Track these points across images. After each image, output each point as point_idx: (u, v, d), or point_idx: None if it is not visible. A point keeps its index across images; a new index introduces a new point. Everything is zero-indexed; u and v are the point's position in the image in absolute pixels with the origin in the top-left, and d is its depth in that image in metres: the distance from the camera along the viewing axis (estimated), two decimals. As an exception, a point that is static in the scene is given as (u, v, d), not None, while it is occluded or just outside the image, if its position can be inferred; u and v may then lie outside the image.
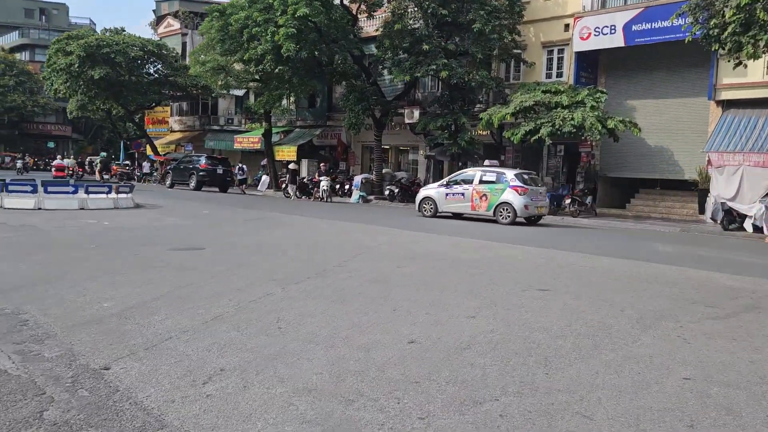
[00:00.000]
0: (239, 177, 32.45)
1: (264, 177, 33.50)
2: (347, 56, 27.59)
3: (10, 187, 15.13)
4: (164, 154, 42.87)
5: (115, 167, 43.11)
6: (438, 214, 19.15)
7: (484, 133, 26.88)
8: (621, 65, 24.23)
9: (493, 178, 18.39)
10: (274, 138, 35.79)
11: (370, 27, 29.76)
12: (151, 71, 40.43)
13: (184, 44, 45.24)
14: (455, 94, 25.47)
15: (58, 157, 47.11)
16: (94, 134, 72.03)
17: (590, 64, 24.56)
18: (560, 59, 25.27)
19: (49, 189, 15.27)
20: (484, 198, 18.21)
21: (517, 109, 21.71)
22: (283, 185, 30.39)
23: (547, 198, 19.30)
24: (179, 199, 23.31)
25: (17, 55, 68.85)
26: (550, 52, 25.56)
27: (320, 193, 26.99)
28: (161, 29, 47.68)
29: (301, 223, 15.18)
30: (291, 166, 29.82)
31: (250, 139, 35.90)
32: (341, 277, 7.56)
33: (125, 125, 50.57)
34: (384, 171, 29.84)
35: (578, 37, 23.51)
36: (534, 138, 21.31)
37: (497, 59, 26.03)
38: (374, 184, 28.93)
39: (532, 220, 18.45)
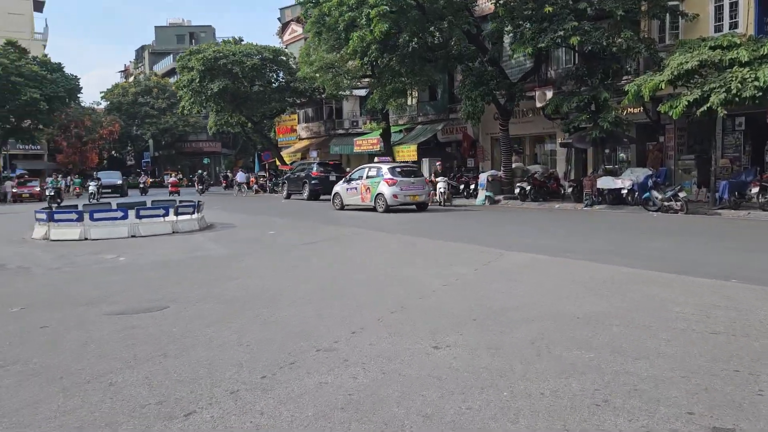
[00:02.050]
0: None
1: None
2: (460, 35, 23.75)
3: (56, 216, 13.42)
4: (291, 163, 41.76)
5: (253, 179, 43.15)
6: (345, 208, 21.87)
7: (636, 110, 21.67)
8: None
9: (375, 173, 20.74)
10: (395, 137, 32.82)
11: (486, 3, 25.60)
12: (273, 79, 39.33)
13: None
14: (593, 65, 20.59)
15: (172, 174, 53.71)
16: (242, 148, 74.42)
17: (778, 5, 18.51)
18: (733, 5, 19.37)
19: (96, 216, 13.36)
20: (368, 191, 20.69)
21: (676, 74, 16.49)
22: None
23: (423, 187, 20.89)
24: (270, 214, 20.96)
25: (170, 80, 73.02)
26: (719, -1, 19.76)
27: (437, 197, 23.39)
28: (286, 36, 46.88)
29: (373, 245, 11.77)
30: None
31: (369, 141, 33.22)
32: (308, 386, 4.06)
33: (264, 137, 50.67)
34: (514, 165, 25.52)
35: (759, -29, 17.67)
36: (701, 110, 16.03)
37: (646, 15, 20.66)
38: (503, 182, 24.76)
39: (421, 207, 20.60)
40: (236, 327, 5.55)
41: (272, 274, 8.42)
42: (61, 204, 26.65)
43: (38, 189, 38.89)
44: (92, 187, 35.27)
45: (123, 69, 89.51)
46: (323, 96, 38.45)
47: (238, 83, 37.05)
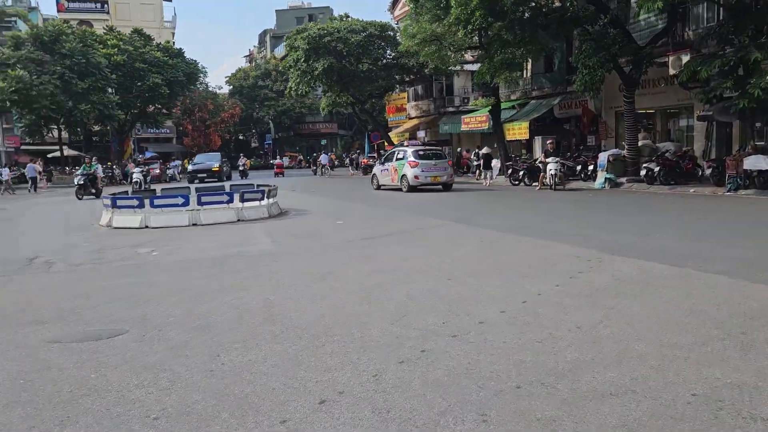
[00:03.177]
0: None
1: (494, 162, 28.13)
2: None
3: (118, 203, 12.65)
4: (398, 144, 40.23)
5: (364, 160, 42.24)
6: (381, 188, 23.15)
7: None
8: None
9: (402, 156, 21.95)
10: (506, 114, 30.10)
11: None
12: (380, 56, 37.73)
13: (419, 23, 41.94)
14: (742, 19, 16.93)
15: (278, 157, 52.25)
16: (358, 129, 74.10)
17: None
18: None
19: (156, 203, 12.43)
20: (396, 172, 21.95)
21: None
22: (509, 171, 24.85)
23: (445, 169, 21.76)
24: (355, 199, 19.46)
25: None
26: None
27: (548, 179, 20.72)
28: (397, 11, 45.07)
29: (448, 242, 9.74)
30: (484, 150, 25.63)
31: (477, 119, 30.74)
32: None
33: (371, 117, 49.57)
34: (641, 143, 22.15)
35: None
36: None
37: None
38: (627, 162, 21.54)
39: (446, 187, 21.66)
40: (167, 379, 3.89)
41: (290, 285, 6.74)
42: (99, 195, 21.51)
43: (158, 171, 40.38)
44: (137, 174, 29.49)
45: (248, 54, 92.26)
46: (431, 72, 36.33)
47: (343, 61, 35.91)
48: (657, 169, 19.66)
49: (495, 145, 29.43)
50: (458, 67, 34.95)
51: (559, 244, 8.70)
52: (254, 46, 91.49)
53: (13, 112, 40.34)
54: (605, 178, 20.91)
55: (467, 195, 20.41)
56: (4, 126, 47.07)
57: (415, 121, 41.83)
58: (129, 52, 43.77)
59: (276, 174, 42.79)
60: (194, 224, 12.54)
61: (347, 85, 37.70)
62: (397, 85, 41.83)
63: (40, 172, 37.42)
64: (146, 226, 12.39)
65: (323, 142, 75.75)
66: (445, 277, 6.73)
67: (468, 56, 30.81)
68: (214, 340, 4.70)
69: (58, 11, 58.25)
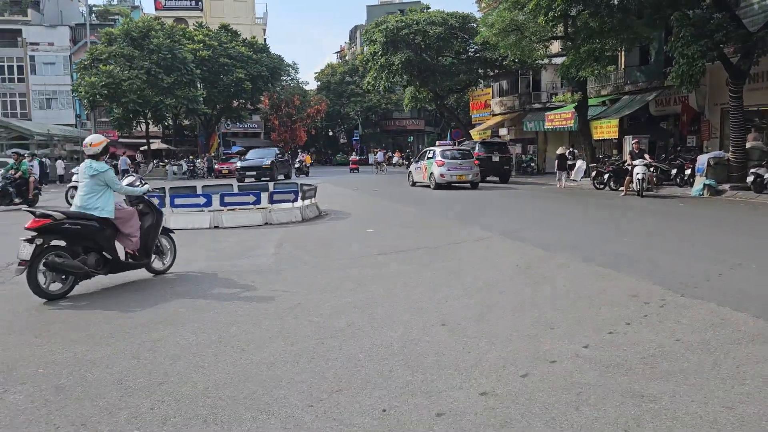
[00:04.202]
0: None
1: (579, 163, 25.69)
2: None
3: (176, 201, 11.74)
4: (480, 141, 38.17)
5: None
6: (415, 184, 24.34)
7: None
8: None
9: (431, 155, 23.07)
10: (594, 111, 27.46)
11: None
12: (461, 49, 35.81)
13: (506, 15, 39.61)
14: None
15: (354, 154, 52.48)
16: (445, 125, 72.26)
17: None
18: None
19: (176, 202, 11.46)
20: (425, 170, 23.15)
21: None
22: (593, 174, 22.42)
23: (470, 168, 22.65)
24: (406, 201, 17.93)
25: (377, 57, 73.11)
26: None
27: (634, 184, 18.25)
28: (484, 2, 42.91)
29: (467, 264, 8.05)
30: (559, 150, 23.79)
31: (562, 116, 28.24)
32: None
33: (455, 113, 47.69)
34: (749, 145, 19.17)
35: None
36: None
37: None
38: (732, 167, 18.66)
39: (473, 185, 22.78)
40: None
41: (232, 323, 5.35)
42: (33, 203, 16.77)
43: (238, 165, 40.51)
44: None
45: (339, 50, 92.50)
46: (515, 66, 34.03)
47: (423, 55, 34.33)
48: (766, 175, 16.79)
49: (581, 145, 26.94)
50: (545, 61, 32.57)
51: (617, 274, 6.78)
52: (345, 43, 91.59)
53: (104, 106, 41.71)
54: (704, 185, 18.19)
55: (534, 199, 18.36)
56: (101, 120, 49.05)
57: (498, 118, 39.60)
58: (214, 48, 44.29)
59: (351, 170, 42.17)
60: (216, 227, 11.48)
61: (426, 79, 36.08)
62: (481, 80, 39.74)
63: (129, 165, 38.55)
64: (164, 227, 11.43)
65: (410, 138, 74.46)
66: (438, 321, 5.09)
67: (556, 48, 28.44)
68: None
69: (156, 9, 60.34)
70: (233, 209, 11.72)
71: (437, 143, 26.76)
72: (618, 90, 27.78)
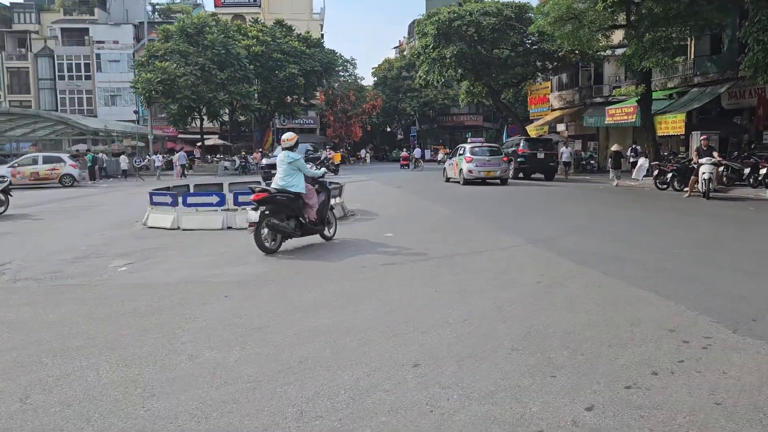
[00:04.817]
0: (564, 159, 28.13)
1: (641, 160, 23.87)
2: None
3: (155, 199, 11.20)
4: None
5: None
6: (449, 180, 24.94)
7: None
8: None
9: (462, 152, 23.68)
10: (660, 105, 25.50)
11: None
12: (517, 41, 34.19)
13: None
14: None
15: (404, 150, 50.49)
16: (503, 121, 70.20)
17: None
18: None
19: (189, 201, 10.81)
20: (456, 166, 23.79)
21: None
22: (654, 172, 20.66)
23: (499, 164, 22.75)
24: (445, 200, 16.76)
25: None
26: None
27: (700, 185, 16.52)
28: (544, -8, 41.00)
29: (481, 279, 6.94)
30: (614, 147, 22.68)
31: (623, 110, 26.34)
32: None
33: (512, 108, 45.94)
34: (836, 142, 17.08)
35: None
36: None
37: None
38: (814, 167, 16.67)
39: (502, 181, 22.95)
40: None
41: (171, 352, 4.51)
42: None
43: (263, 162, 40.22)
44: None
45: (397, 45, 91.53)
46: (574, 57, 32.17)
47: (479, 47, 32.93)
48: None
49: (644, 142, 25.05)
50: (608, 52, 30.61)
51: (657, 298, 5.58)
52: (404, 37, 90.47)
53: (160, 102, 42.22)
54: (780, 187, 16.32)
55: (583, 200, 16.85)
56: (160, 116, 49.90)
57: (557, 113, 37.73)
58: (267, 43, 44.15)
59: (402, 166, 41.32)
60: (229, 227, 10.76)
61: (481, 73, 34.66)
62: (539, 74, 37.95)
63: (186, 160, 38.88)
64: (178, 227, 10.84)
65: (468, 134, 72.75)
66: (411, 360, 4.07)
67: (618, 37, 26.59)
68: None
69: (215, 6, 60.98)
70: (247, 209, 10.98)
71: (468, 140, 27.56)
72: (686, 82, 25.67)
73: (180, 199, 10.84)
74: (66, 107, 56.64)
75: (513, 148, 27.22)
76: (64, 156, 28.06)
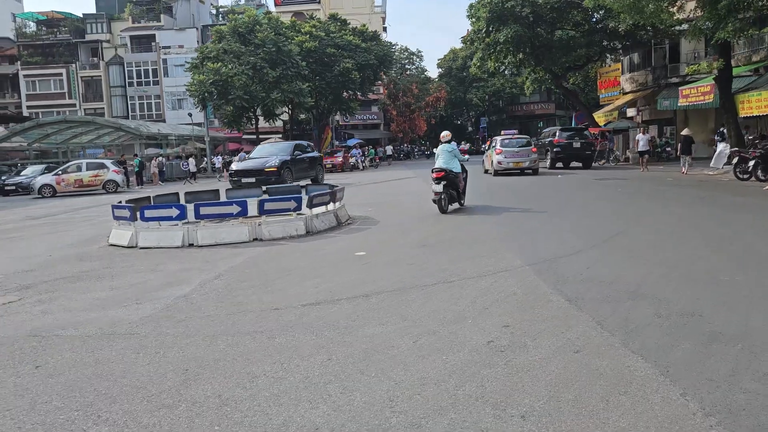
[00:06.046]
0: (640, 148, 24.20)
1: (720, 146, 20.80)
2: None
3: (116, 212, 9.89)
4: (604, 125, 33.34)
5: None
6: (486, 172, 25.08)
7: None
8: None
9: (494, 144, 24.37)
10: (743, 82, 22.17)
11: None
12: (580, 19, 31.22)
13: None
14: None
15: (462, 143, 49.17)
16: (571, 107, 66.18)
17: None
18: None
19: (147, 215, 9.39)
20: (489, 158, 24.64)
21: None
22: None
23: (528, 155, 22.98)
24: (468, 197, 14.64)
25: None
26: None
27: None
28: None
29: (451, 321, 5.03)
30: (684, 132, 20.34)
31: (699, 90, 23.15)
32: None
33: (580, 93, 42.63)
34: None
35: None
36: None
37: None
38: None
39: (534, 171, 23.12)
40: None
41: None
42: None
43: (341, 160, 38.95)
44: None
45: (465, 35, 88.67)
46: (645, 34, 28.93)
47: (537, 29, 30.28)
48: None
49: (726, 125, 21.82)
50: (683, 26, 27.26)
51: (665, 383, 3.53)
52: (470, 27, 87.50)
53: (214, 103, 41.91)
54: None
55: (631, 195, 14.18)
56: (214, 117, 49.83)
57: (629, 97, 34.39)
58: (321, 38, 42.96)
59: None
60: (191, 244, 9.27)
61: (541, 57, 31.94)
62: (608, 54, 34.75)
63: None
64: (136, 245, 9.46)
65: (540, 124, 69.18)
66: None
67: (690, 8, 23.39)
68: None
69: (275, 5, 60.62)
70: (212, 223, 9.46)
71: (501, 132, 27.53)
72: (774, 54, 22.21)
73: (138, 214, 9.43)
74: (136, 113, 57.98)
75: (549, 139, 26.98)
76: (108, 162, 27.86)
